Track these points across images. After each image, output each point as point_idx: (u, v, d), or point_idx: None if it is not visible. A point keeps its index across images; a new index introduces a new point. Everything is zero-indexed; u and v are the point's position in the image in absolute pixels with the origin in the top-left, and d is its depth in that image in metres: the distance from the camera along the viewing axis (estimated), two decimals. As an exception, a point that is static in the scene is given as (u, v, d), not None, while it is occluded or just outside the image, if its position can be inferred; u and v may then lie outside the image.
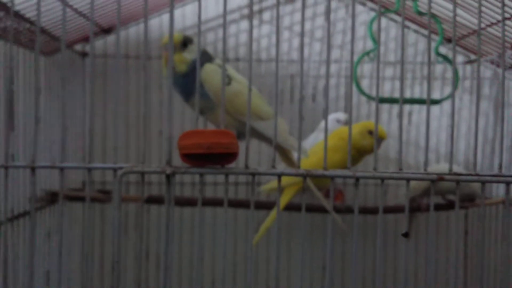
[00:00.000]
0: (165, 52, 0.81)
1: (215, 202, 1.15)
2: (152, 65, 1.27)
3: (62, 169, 0.57)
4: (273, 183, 1.06)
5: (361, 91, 1.13)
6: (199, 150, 0.54)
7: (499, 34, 1.15)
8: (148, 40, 1.31)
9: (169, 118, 0.57)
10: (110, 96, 1.21)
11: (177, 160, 0.58)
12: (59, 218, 0.60)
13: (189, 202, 1.14)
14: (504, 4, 0.65)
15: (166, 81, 0.62)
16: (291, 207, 1.09)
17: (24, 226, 0.89)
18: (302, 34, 0.62)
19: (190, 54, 0.84)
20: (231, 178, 1.26)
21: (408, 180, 0.58)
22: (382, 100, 1.22)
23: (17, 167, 0.57)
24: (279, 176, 0.59)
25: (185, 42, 0.85)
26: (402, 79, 0.61)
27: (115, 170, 0.57)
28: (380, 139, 1.06)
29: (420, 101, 1.13)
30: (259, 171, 0.58)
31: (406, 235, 0.58)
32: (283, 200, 1.03)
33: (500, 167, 0.57)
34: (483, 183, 0.58)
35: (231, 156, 0.57)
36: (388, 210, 1.20)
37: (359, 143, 1.03)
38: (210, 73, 0.83)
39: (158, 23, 1.31)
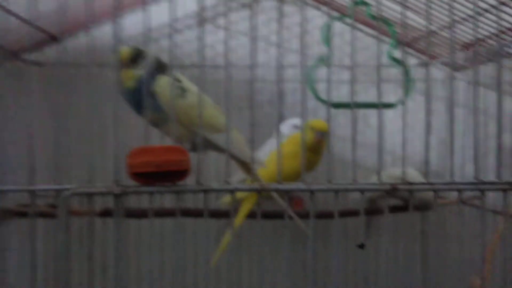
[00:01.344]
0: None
1: (170, 213, 1.11)
2: (106, 74, 1.23)
3: (1, 192, 0.53)
4: (237, 194, 1.04)
5: (316, 96, 1.13)
6: (149, 169, 0.52)
7: (447, 36, 1.18)
8: (100, 47, 1.28)
9: (115, 134, 0.54)
10: (59, 108, 1.16)
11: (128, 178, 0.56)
12: (3, 236, 0.57)
13: (144, 215, 1.10)
14: (451, 7, 0.65)
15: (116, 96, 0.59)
16: (250, 215, 1.07)
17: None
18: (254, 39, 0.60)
19: (140, 70, 0.82)
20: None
21: (362, 191, 0.57)
22: (336, 105, 1.22)
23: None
24: (233, 191, 0.57)
25: (135, 58, 0.83)
26: (353, 83, 0.60)
27: (59, 191, 0.54)
28: (320, 133, 1.06)
29: (373, 105, 1.14)
30: (212, 187, 0.56)
31: (361, 246, 0.57)
32: (243, 211, 1.01)
33: (451, 173, 0.58)
34: (436, 191, 0.58)
35: (183, 172, 0.55)
36: (348, 213, 1.20)
37: (307, 143, 1.04)
38: (163, 86, 0.81)
39: (111, 28, 1.27)
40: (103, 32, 1.26)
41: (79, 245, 1.21)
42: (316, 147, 1.05)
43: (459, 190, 0.56)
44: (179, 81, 0.84)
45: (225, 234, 1.02)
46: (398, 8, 1.15)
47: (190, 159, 0.56)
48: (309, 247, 0.57)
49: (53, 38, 1.24)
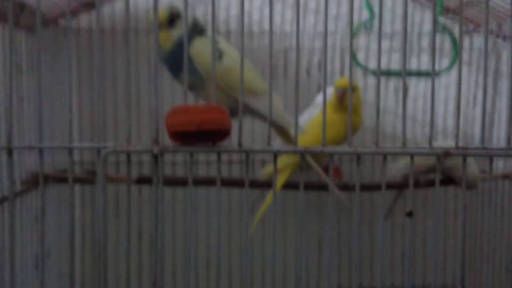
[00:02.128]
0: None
1: (208, 182, 1.11)
2: (141, 40, 1.22)
3: (40, 150, 0.52)
4: (271, 166, 1.02)
5: (358, 63, 1.10)
6: (189, 128, 0.50)
7: (499, 3, 1.11)
8: (136, 14, 1.26)
9: (155, 93, 0.52)
10: (96, 73, 1.16)
11: (167, 138, 0.54)
12: (42, 201, 0.56)
13: (181, 182, 1.09)
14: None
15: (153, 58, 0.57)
16: (286, 185, 1.05)
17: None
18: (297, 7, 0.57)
19: (177, 31, 0.80)
20: (224, 157, 1.22)
21: (412, 155, 0.54)
22: (384, 73, 1.18)
23: (-9, 149, 0.53)
24: (275, 153, 0.55)
25: (172, 19, 0.80)
26: (405, 51, 0.57)
27: (99, 150, 0.53)
28: (341, 90, 1.02)
29: (422, 73, 1.09)
30: (253, 148, 0.54)
31: (410, 214, 0.54)
32: (280, 180, 0.99)
33: (509, 141, 0.54)
34: (491, 157, 0.54)
35: (224, 133, 0.53)
36: (388, 186, 1.16)
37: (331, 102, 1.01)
38: (199, 48, 0.79)
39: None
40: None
41: (115, 213, 1.23)
42: (344, 106, 1.01)
43: (516, 157, 0.52)
44: (216, 42, 0.81)
45: (262, 202, 1.01)
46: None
47: (230, 119, 0.53)
48: (353, 218, 0.54)
49: (89, 5, 1.23)
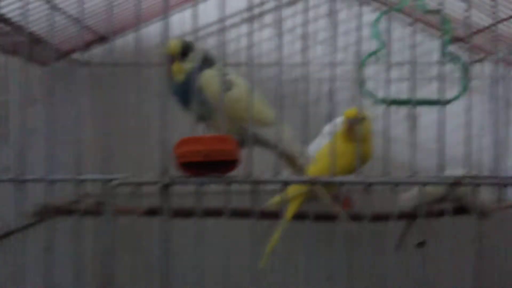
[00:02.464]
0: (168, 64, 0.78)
1: (217, 212, 1.09)
2: (152, 72, 1.24)
3: (50, 182, 0.53)
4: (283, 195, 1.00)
5: (367, 93, 1.09)
6: (197, 158, 0.50)
7: (508, 31, 1.11)
8: (148, 47, 1.29)
9: (163, 124, 0.53)
10: (106, 105, 1.17)
11: (175, 169, 0.54)
12: (50, 234, 0.56)
13: (189, 213, 1.08)
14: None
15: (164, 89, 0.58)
16: (295, 216, 1.04)
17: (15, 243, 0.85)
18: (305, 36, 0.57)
19: (190, 63, 0.81)
20: (234, 187, 1.21)
21: (424, 184, 0.53)
22: (393, 102, 1.17)
23: (2, 181, 0.53)
24: (284, 183, 0.55)
25: (185, 51, 0.82)
26: (414, 79, 0.57)
27: (107, 181, 0.53)
28: (351, 120, 1.01)
29: (431, 102, 1.09)
30: (262, 178, 0.54)
31: (421, 244, 0.53)
32: (290, 210, 0.98)
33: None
34: (505, 185, 0.53)
35: (232, 163, 0.53)
36: (399, 216, 1.15)
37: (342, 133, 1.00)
38: (208, 79, 0.80)
39: (159, 28, 1.28)
40: (149, 32, 1.27)
41: (124, 245, 1.22)
42: (353, 136, 1.00)
43: (530, 186, 0.51)
44: (225, 74, 0.83)
45: (273, 233, 0.99)
46: (451, 0, 1.10)
47: (239, 149, 0.53)
48: (364, 249, 0.53)
49: (101, 38, 1.25)
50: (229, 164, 0.53)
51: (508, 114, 1.32)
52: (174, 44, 0.81)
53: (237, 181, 0.53)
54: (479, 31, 1.17)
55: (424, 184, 0.53)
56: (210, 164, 0.53)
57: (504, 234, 1.18)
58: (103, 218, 1.17)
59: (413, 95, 0.58)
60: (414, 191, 1.18)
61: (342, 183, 0.53)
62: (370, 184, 0.53)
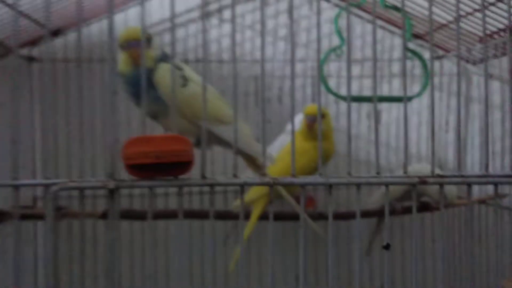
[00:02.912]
0: (134, 49, 0.72)
1: (168, 215, 1.05)
2: (104, 69, 1.18)
3: (-18, 188, 0.47)
4: (246, 197, 0.97)
5: (329, 90, 1.08)
6: (147, 160, 0.46)
7: (467, 28, 1.11)
8: (102, 42, 1.23)
9: (112, 123, 0.48)
10: (54, 103, 1.11)
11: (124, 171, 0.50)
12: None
13: (140, 216, 1.03)
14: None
15: (116, 82, 0.53)
16: (261, 216, 1.01)
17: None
18: (263, 33, 0.54)
19: (155, 50, 0.76)
20: (186, 188, 1.17)
21: (387, 185, 0.51)
22: (355, 99, 1.16)
23: None
24: (242, 186, 0.51)
25: (149, 38, 0.77)
26: (375, 75, 0.54)
27: (47, 186, 0.48)
28: (310, 117, 1.00)
29: (394, 99, 1.08)
30: (218, 181, 0.50)
31: (387, 247, 0.51)
32: (255, 212, 0.95)
33: (487, 167, 0.51)
34: (469, 185, 0.52)
35: (185, 165, 0.49)
36: (364, 214, 1.14)
37: (300, 131, 0.98)
38: (163, 74, 0.75)
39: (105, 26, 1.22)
40: (96, 28, 1.22)
41: (79, 250, 1.16)
42: (314, 134, 0.98)
43: (495, 184, 0.50)
44: (180, 69, 0.78)
45: (237, 238, 0.96)
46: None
47: (193, 150, 0.49)
48: (328, 250, 0.50)
49: (53, 33, 1.19)
50: (182, 165, 0.49)
51: (468, 111, 1.34)
52: (139, 30, 0.75)
53: (191, 184, 0.50)
54: (438, 28, 1.17)
55: (388, 184, 0.51)
56: (161, 166, 0.49)
57: (468, 230, 1.19)
58: (61, 222, 1.12)
59: (375, 92, 0.55)
60: (378, 191, 1.17)
61: (303, 185, 0.50)
62: (331, 185, 0.50)
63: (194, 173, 0.52)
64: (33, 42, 1.18)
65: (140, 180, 0.49)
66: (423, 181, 0.50)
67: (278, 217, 1.02)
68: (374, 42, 0.56)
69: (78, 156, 0.50)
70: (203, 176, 0.50)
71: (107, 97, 0.46)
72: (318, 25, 0.54)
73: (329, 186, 0.50)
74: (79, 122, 0.50)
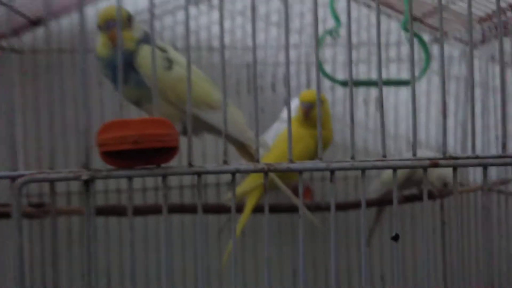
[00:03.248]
0: (113, 30, 0.66)
1: (156, 210, 0.99)
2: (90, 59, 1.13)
3: None
4: (239, 188, 0.92)
5: (326, 75, 1.03)
6: (124, 146, 0.41)
7: (466, 10, 1.06)
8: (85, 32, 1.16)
9: (85, 105, 0.43)
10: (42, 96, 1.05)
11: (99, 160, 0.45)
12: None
13: (119, 211, 0.97)
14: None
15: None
16: (255, 208, 0.97)
17: None
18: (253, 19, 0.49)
19: (137, 32, 0.71)
20: (174, 180, 1.11)
21: (395, 168, 0.46)
22: (357, 84, 1.11)
23: None
24: (233, 174, 0.46)
25: (130, 18, 0.71)
26: (379, 60, 0.49)
27: (13, 179, 0.43)
28: (307, 104, 0.95)
29: (399, 83, 1.04)
30: (206, 168, 0.45)
31: (396, 238, 0.46)
32: (249, 204, 0.90)
33: (504, 146, 0.46)
34: (485, 166, 0.46)
35: (169, 151, 0.44)
36: (359, 205, 1.10)
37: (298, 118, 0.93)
38: (146, 57, 0.69)
39: (94, 12, 1.16)
40: (86, 16, 1.16)
41: (67, 246, 1.11)
42: (311, 120, 0.93)
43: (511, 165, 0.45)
44: (164, 51, 0.72)
45: (229, 232, 0.91)
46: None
47: (177, 134, 0.44)
48: (331, 241, 0.45)
49: (32, 23, 1.13)
50: (165, 152, 0.44)
51: (468, 95, 1.29)
52: (119, 9, 0.69)
53: (176, 173, 0.44)
54: (436, 9, 1.12)
55: (396, 167, 0.46)
56: (142, 153, 0.43)
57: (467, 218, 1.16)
58: (42, 220, 1.07)
59: (379, 76, 0.50)
60: (380, 179, 1.13)
61: (301, 170, 0.45)
62: (333, 170, 0.45)
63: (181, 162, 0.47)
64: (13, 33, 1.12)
65: (118, 169, 0.43)
66: (434, 163, 0.44)
67: (274, 209, 0.97)
68: (378, 27, 0.50)
69: (49, 145, 0.44)
70: (190, 164, 0.45)
71: (79, 80, 0.41)
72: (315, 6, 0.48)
73: (331, 172, 0.45)
74: (49, 110, 0.44)
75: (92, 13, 1.13)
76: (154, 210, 0.97)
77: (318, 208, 1.04)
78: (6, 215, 0.96)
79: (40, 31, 1.15)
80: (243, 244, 1.16)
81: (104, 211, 0.96)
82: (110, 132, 0.41)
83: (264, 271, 0.50)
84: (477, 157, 0.46)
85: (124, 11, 0.69)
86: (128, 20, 0.70)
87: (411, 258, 1.19)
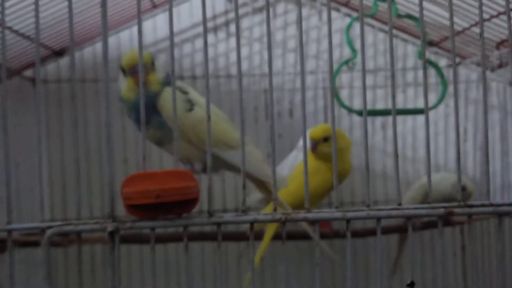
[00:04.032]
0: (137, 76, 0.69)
1: (178, 238, 1.00)
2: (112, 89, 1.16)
3: (-28, 234, 0.44)
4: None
5: (342, 104, 1.04)
6: (147, 201, 0.43)
7: (484, 35, 1.07)
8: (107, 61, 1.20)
9: (109, 159, 0.45)
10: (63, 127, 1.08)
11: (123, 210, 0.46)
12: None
13: (141, 240, 1.00)
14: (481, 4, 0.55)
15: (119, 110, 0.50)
16: (274, 237, 0.98)
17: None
18: (269, 46, 0.51)
19: (160, 73, 0.73)
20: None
21: (409, 218, 0.47)
22: (371, 113, 1.12)
23: None
24: (252, 223, 0.47)
25: (153, 62, 0.73)
26: (393, 89, 0.50)
27: (42, 230, 0.45)
28: (313, 142, 0.96)
29: (413, 111, 1.04)
30: (225, 219, 0.46)
31: (411, 285, 0.47)
32: (268, 235, 0.91)
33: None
34: (500, 214, 0.47)
35: (190, 202, 0.45)
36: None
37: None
38: (168, 99, 0.71)
39: (116, 41, 1.20)
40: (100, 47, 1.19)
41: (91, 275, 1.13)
42: (321, 156, 0.94)
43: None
44: (185, 92, 0.74)
45: (247, 262, 0.92)
46: (426, 5, 1.05)
47: (198, 185, 0.46)
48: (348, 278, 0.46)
49: (57, 53, 1.17)
50: (186, 202, 0.46)
51: (487, 119, 1.28)
52: (144, 54, 0.71)
53: (196, 223, 0.46)
54: (455, 35, 1.13)
55: (411, 216, 0.47)
56: (164, 204, 0.45)
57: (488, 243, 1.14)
58: (63, 249, 1.09)
59: (392, 106, 0.51)
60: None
61: (317, 221, 0.46)
62: (349, 220, 0.46)
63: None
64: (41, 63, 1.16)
65: (141, 220, 0.45)
66: (449, 211, 0.45)
67: (292, 236, 0.98)
68: (391, 53, 0.52)
69: (75, 193, 0.46)
70: (210, 214, 0.46)
71: (104, 135, 0.43)
72: (330, 34, 0.50)
73: (347, 221, 0.46)
74: (75, 159, 0.46)
75: (113, 42, 1.17)
76: (175, 238, 0.99)
77: (337, 235, 1.04)
78: (32, 244, 1.00)
79: (64, 61, 1.19)
80: (262, 270, 1.16)
81: (126, 239, 0.98)
82: (134, 185, 0.43)
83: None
84: (491, 205, 0.47)
85: (148, 55, 0.71)
86: (152, 63, 0.72)
87: (431, 283, 1.18)
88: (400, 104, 1.26)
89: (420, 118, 1.26)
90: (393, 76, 0.51)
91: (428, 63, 1.02)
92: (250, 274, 0.79)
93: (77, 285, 0.97)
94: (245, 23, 1.24)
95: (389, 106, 1.25)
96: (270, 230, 0.92)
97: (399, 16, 0.97)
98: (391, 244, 1.18)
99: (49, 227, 0.44)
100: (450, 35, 0.52)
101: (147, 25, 1.19)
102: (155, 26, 1.21)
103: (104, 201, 1.00)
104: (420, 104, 1.25)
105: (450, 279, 1.20)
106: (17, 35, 0.93)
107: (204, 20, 0.49)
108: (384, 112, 1.09)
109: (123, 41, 1.18)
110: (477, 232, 1.21)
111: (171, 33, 0.49)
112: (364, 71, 0.51)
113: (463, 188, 1.05)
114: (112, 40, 1.18)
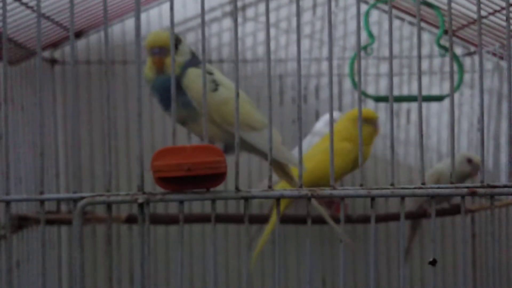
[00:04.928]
0: (156, 56, 0.70)
1: (203, 219, 1.03)
2: (128, 70, 1.17)
3: (7, 202, 0.45)
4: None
5: (366, 95, 1.05)
6: (178, 173, 0.44)
7: (501, 23, 1.06)
8: (123, 43, 1.21)
9: (139, 133, 0.46)
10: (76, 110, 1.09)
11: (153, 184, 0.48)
12: (7, 253, 0.49)
13: (174, 220, 1.02)
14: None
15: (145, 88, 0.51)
16: (286, 219, 0.99)
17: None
18: (298, 30, 0.51)
19: (182, 56, 0.73)
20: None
21: (433, 196, 0.48)
22: (377, 99, 1.13)
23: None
24: (278, 198, 0.48)
25: (176, 43, 0.73)
26: (419, 77, 0.51)
27: (75, 200, 0.46)
28: (371, 120, 0.96)
29: (433, 98, 1.05)
30: (253, 194, 0.47)
31: (433, 262, 0.48)
32: (273, 219, 0.92)
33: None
34: (522, 196, 0.48)
35: (218, 176, 0.46)
36: (390, 218, 1.11)
37: (353, 134, 0.94)
38: (193, 79, 0.72)
39: (145, 18, 1.20)
40: (124, 28, 1.20)
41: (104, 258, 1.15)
42: (366, 140, 0.94)
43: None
44: (211, 73, 0.75)
45: (259, 237, 0.94)
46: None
47: (225, 161, 0.47)
48: (369, 260, 0.47)
49: (75, 35, 1.17)
50: (214, 177, 0.47)
51: (500, 109, 1.28)
52: (166, 35, 0.71)
53: (225, 197, 0.47)
54: (470, 23, 1.13)
55: (435, 196, 0.48)
56: (193, 178, 0.46)
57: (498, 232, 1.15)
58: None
59: (418, 92, 0.52)
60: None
61: (343, 197, 0.47)
62: (373, 198, 0.47)
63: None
64: (55, 44, 1.17)
65: (171, 193, 0.46)
66: (472, 191, 0.46)
67: (304, 219, 0.99)
68: (419, 40, 0.52)
69: (102, 166, 0.47)
70: (237, 189, 0.47)
71: (136, 112, 0.44)
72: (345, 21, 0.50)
73: (371, 199, 0.47)
74: (103, 133, 0.47)
75: (131, 24, 1.18)
76: (200, 219, 1.02)
77: (349, 220, 1.05)
78: (50, 222, 1.02)
79: (81, 43, 1.20)
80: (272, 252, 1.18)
81: (152, 220, 1.00)
82: (164, 158, 0.44)
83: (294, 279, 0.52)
84: (514, 186, 0.47)
85: (166, 38, 0.71)
86: (175, 45, 0.73)
87: (440, 271, 1.19)
88: (413, 92, 1.26)
89: (433, 106, 1.26)
90: (419, 62, 0.51)
91: (444, 51, 1.03)
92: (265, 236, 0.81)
93: (92, 264, 0.99)
94: (260, 8, 1.24)
95: (404, 93, 1.27)
96: (274, 216, 0.93)
97: (424, 3, 0.97)
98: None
99: (82, 198, 0.45)
100: (477, 21, 0.53)
101: (177, 2, 1.20)
102: (185, 4, 1.21)
103: (131, 177, 1.03)
104: (435, 92, 1.25)
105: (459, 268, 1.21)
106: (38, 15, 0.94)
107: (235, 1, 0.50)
108: (407, 99, 1.10)
109: (152, 19, 1.19)
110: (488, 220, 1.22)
111: (203, 12, 0.49)
112: (391, 58, 0.52)
113: (469, 160, 1.06)
114: (125, 25, 1.19)
